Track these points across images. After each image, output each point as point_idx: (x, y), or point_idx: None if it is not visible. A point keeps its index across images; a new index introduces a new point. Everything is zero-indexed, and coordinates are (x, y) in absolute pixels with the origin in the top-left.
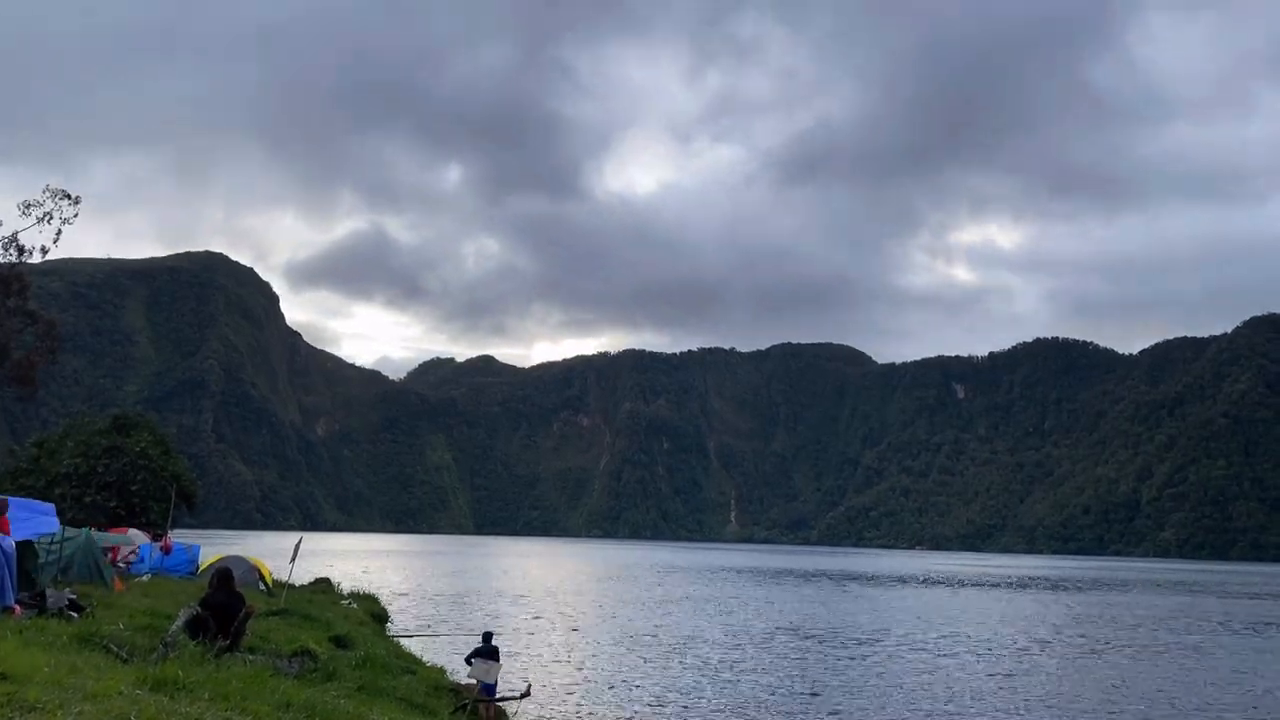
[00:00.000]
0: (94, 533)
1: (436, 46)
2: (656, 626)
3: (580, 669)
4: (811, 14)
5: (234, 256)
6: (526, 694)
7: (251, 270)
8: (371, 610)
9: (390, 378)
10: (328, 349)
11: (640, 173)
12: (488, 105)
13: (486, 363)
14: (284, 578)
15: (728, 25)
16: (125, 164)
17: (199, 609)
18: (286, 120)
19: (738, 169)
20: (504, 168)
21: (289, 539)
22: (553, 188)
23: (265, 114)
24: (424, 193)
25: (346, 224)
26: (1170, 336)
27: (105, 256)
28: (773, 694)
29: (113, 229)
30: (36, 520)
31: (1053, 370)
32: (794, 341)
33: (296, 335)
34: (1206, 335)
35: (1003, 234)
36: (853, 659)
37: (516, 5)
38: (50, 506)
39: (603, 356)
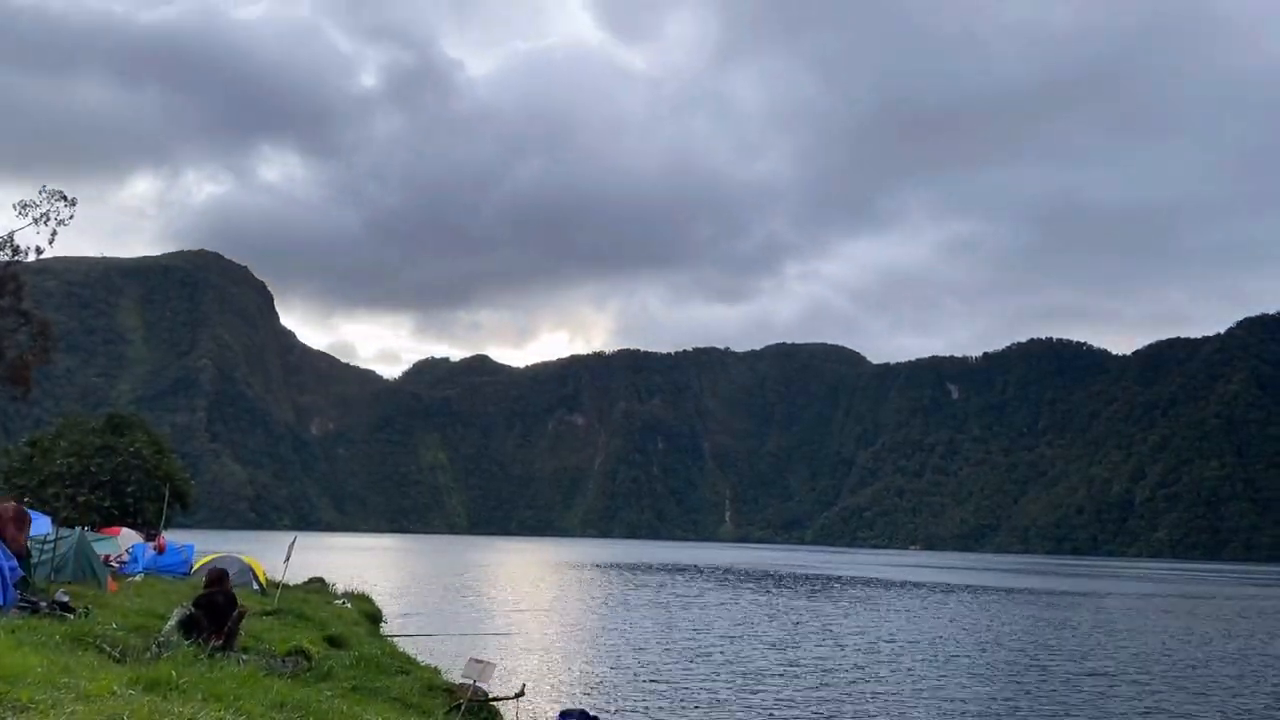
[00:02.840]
0: (87, 533)
1: None
2: (658, 627)
3: (577, 669)
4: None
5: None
6: (521, 694)
7: (245, 269)
8: (366, 610)
9: (385, 377)
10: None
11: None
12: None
13: (481, 362)
14: (278, 577)
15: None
16: None
17: (192, 609)
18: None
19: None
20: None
21: (283, 539)
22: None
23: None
24: None
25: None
26: (1163, 337)
27: (99, 255)
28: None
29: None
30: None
31: (1047, 370)
32: (788, 341)
33: (291, 334)
34: (1200, 336)
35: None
36: None
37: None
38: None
39: (598, 356)
